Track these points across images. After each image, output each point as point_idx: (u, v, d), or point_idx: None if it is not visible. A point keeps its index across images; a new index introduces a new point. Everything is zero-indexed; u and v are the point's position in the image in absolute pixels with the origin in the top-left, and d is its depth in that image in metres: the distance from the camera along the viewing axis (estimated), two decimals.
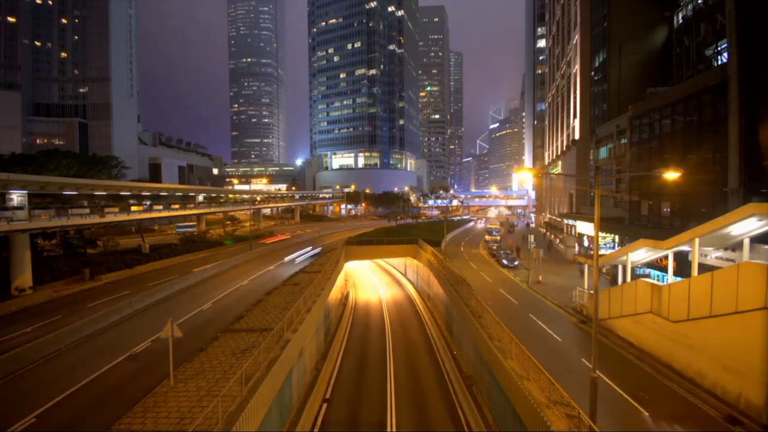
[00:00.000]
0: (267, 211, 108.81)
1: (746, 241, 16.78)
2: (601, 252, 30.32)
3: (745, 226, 16.00)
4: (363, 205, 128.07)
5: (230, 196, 79.40)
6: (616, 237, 34.60)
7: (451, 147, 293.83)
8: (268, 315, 21.37)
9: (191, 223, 70.92)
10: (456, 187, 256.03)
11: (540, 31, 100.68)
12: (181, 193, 58.75)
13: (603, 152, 40.69)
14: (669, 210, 27.91)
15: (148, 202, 47.84)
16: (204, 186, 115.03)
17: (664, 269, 22.43)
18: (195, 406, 12.09)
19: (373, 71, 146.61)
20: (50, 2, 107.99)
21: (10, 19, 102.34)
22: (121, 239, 52.50)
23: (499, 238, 60.23)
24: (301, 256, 44.55)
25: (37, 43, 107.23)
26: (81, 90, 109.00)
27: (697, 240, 17.11)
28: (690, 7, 32.34)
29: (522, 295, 31.29)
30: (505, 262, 43.62)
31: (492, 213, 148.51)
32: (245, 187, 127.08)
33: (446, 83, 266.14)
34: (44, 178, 32.62)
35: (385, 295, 43.08)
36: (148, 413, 11.90)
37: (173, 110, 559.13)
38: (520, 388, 12.60)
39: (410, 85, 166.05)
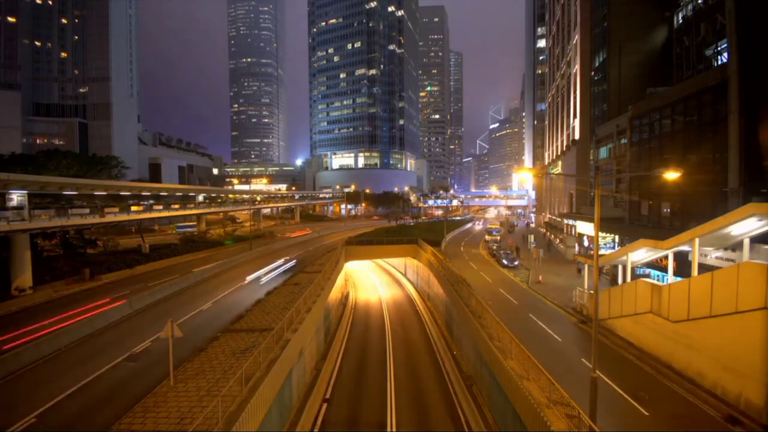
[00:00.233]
0: (267, 211, 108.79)
1: (746, 241, 16.78)
2: (601, 252, 30.32)
3: (745, 226, 16.00)
4: (363, 205, 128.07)
5: (230, 196, 79.38)
6: (616, 237, 34.60)
7: (451, 147, 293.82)
8: (268, 315, 21.38)
9: (191, 223, 70.92)
10: (456, 187, 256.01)
11: (540, 31, 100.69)
12: (181, 193, 58.75)
13: (603, 152, 40.69)
14: (669, 210, 27.91)
15: (148, 202, 47.84)
16: (204, 186, 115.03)
17: (664, 269, 22.43)
18: (195, 406, 12.09)
19: (373, 71, 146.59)
20: (50, 2, 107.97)
21: (10, 19, 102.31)
22: (121, 239, 52.52)
23: (499, 238, 60.23)
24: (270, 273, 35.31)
25: (37, 43, 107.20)
26: (81, 90, 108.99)
27: (697, 240, 17.11)
28: (690, 7, 32.33)
29: (522, 295, 31.29)
30: (505, 262, 43.62)
31: (490, 213, 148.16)
32: (245, 187, 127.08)
33: (446, 83, 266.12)
34: (44, 178, 32.62)
35: (385, 295, 43.07)
36: (148, 413, 11.91)
37: (173, 110, 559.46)
38: (520, 388, 12.59)
39: (410, 85, 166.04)
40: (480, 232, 78.26)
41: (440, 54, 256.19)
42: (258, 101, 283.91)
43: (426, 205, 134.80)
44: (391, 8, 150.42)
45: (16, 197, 28.99)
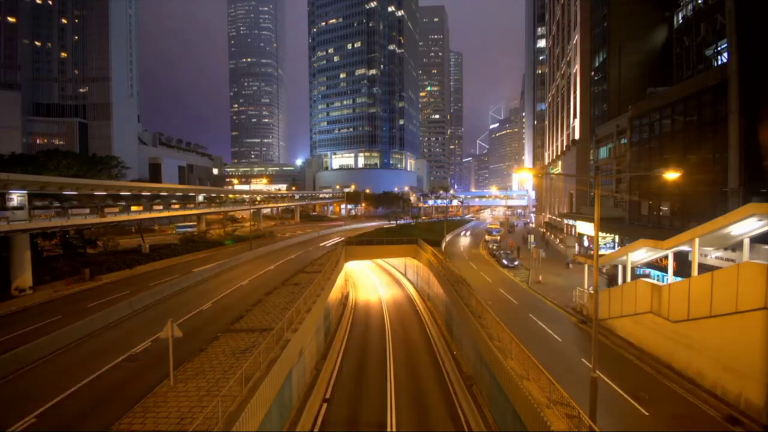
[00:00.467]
0: (267, 211, 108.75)
1: (746, 241, 16.77)
2: (601, 252, 30.31)
3: (745, 226, 16.00)
4: (363, 205, 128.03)
5: (230, 196, 79.35)
6: (616, 237, 34.61)
7: (451, 147, 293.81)
8: (268, 315, 21.37)
9: (191, 223, 70.91)
10: (456, 187, 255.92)
11: (540, 31, 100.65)
12: (181, 193, 58.72)
13: (603, 152, 40.68)
14: (669, 210, 27.91)
15: (148, 202, 47.83)
16: (204, 186, 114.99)
17: (664, 269, 22.43)
18: (195, 406, 12.09)
19: (373, 71, 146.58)
20: (50, 2, 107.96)
21: (10, 19, 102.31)
22: (121, 239, 52.51)
23: (499, 238, 60.23)
24: None
25: (37, 43, 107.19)
26: (81, 90, 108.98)
27: (697, 240, 17.11)
28: (690, 7, 32.33)
29: (522, 295, 31.29)
30: (505, 262, 43.63)
31: (485, 214, 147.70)
32: (245, 187, 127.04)
33: (446, 83, 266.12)
34: (44, 178, 32.61)
35: (385, 295, 43.08)
36: (148, 413, 11.90)
37: (173, 110, 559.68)
38: (520, 388, 12.60)
39: (410, 85, 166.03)
40: (480, 232, 78.26)
41: (440, 54, 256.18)
42: (258, 101, 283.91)
43: (426, 205, 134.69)
44: (391, 8, 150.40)
45: (16, 197, 28.97)
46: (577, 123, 51.93)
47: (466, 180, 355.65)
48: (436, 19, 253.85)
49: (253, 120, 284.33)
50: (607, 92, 40.93)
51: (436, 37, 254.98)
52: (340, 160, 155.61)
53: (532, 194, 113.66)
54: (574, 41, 52.98)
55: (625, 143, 34.78)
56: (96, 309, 23.43)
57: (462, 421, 17.38)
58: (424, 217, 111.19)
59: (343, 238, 52.38)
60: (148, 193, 49.14)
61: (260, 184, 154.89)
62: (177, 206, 53.97)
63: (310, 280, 27.40)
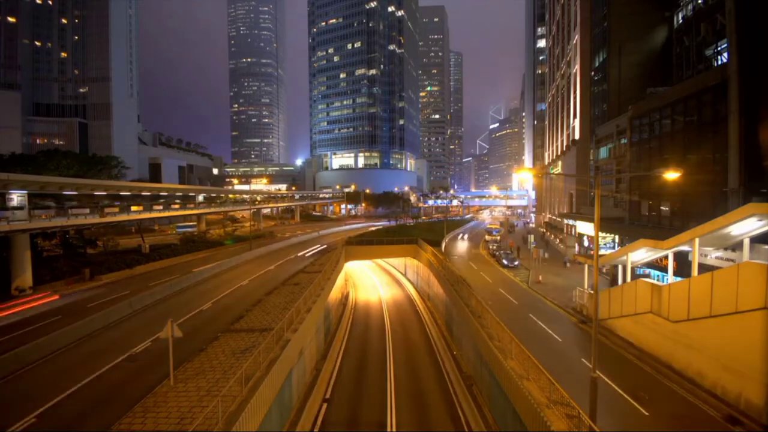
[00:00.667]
0: (267, 211, 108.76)
1: (746, 241, 16.77)
2: (601, 252, 30.32)
3: (745, 226, 16.00)
4: (363, 205, 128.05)
5: (230, 196, 79.37)
6: (616, 237, 34.60)
7: (451, 147, 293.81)
8: (268, 315, 21.37)
9: (191, 223, 70.92)
10: (456, 187, 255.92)
11: (540, 31, 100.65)
12: (181, 193, 58.73)
13: (603, 152, 40.68)
14: (669, 210, 27.91)
15: (148, 202, 47.84)
16: (204, 186, 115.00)
17: (664, 269, 22.43)
18: (195, 406, 12.09)
19: (373, 71, 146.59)
20: (50, 2, 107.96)
21: (10, 19, 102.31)
22: (121, 239, 52.52)
23: (499, 238, 60.21)
24: None
25: (37, 43, 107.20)
26: (81, 90, 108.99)
27: (697, 240, 17.11)
28: (690, 7, 32.34)
29: (522, 295, 31.29)
30: (505, 262, 43.62)
31: (485, 214, 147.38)
32: (245, 187, 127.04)
33: (446, 83, 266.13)
34: (44, 178, 32.62)
35: (385, 295, 43.07)
36: (148, 413, 11.90)
37: (173, 110, 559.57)
38: (520, 388, 12.60)
39: (410, 85, 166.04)
40: (480, 232, 78.27)
41: (440, 54, 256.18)
42: (258, 101, 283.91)
43: (426, 205, 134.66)
44: (391, 8, 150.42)
45: (16, 197, 28.98)
46: (577, 123, 51.93)
47: (466, 180, 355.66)
48: (436, 19, 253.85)
49: (253, 120, 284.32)
50: (607, 92, 40.93)
51: (436, 37, 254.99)
52: (340, 160, 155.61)
53: (532, 194, 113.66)
54: (574, 41, 52.98)
55: (625, 143, 34.78)
56: (96, 309, 23.45)
57: (462, 421, 17.38)
58: (424, 217, 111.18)
59: (343, 238, 52.38)
60: (148, 193, 49.13)
61: (260, 184, 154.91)
62: (177, 206, 53.99)
63: (310, 280, 27.40)
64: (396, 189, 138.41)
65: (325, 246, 52.93)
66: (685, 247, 18.83)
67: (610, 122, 38.37)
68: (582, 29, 49.27)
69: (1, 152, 50.06)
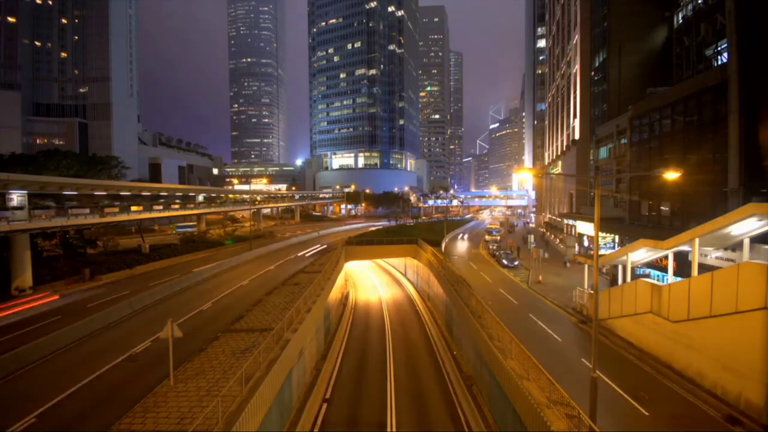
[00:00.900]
0: (267, 211, 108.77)
1: (746, 241, 16.77)
2: (601, 252, 30.31)
3: (745, 226, 16.00)
4: (363, 205, 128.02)
5: (230, 196, 79.36)
6: (616, 237, 34.60)
7: (451, 147, 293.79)
8: (268, 315, 21.37)
9: (191, 223, 70.91)
10: (456, 187, 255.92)
11: (540, 31, 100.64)
12: (181, 193, 58.73)
13: (603, 152, 40.68)
14: (669, 210, 27.91)
15: (148, 202, 47.85)
16: (204, 186, 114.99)
17: (664, 269, 22.43)
18: (195, 406, 12.09)
19: (373, 71, 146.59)
20: (50, 2, 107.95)
21: (10, 19, 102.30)
22: (121, 239, 52.51)
23: (499, 238, 60.20)
24: None
25: (37, 43, 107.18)
26: (81, 90, 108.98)
27: (697, 240, 17.11)
28: (690, 7, 32.33)
29: (522, 295, 31.29)
30: (505, 262, 43.62)
31: (484, 214, 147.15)
32: (245, 187, 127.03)
33: (446, 83, 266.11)
34: (44, 178, 32.62)
35: (385, 295, 43.07)
36: (148, 413, 11.90)
37: (173, 110, 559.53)
38: (520, 388, 12.59)
39: (410, 85, 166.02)
40: (480, 232, 78.29)
41: (440, 54, 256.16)
42: (258, 101, 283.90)
43: (426, 205, 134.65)
44: (391, 8, 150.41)
45: (16, 197, 28.98)
46: (577, 123, 51.93)
47: (466, 180, 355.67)
48: (436, 19, 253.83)
49: (253, 120, 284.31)
50: (607, 92, 40.92)
51: (436, 37, 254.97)
52: (340, 160, 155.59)
53: (532, 194, 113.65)
54: (574, 41, 52.98)
55: (625, 143, 34.77)
56: (96, 309, 23.45)
57: (462, 421, 17.37)
58: (424, 217, 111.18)
59: (342, 238, 52.38)
60: (148, 193, 49.13)
61: (260, 184, 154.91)
62: (177, 206, 53.98)
63: (310, 280, 27.40)
64: (396, 189, 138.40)
65: (325, 246, 52.95)
66: (685, 247, 18.83)
67: (610, 122, 38.36)
68: (582, 29, 49.27)
69: (1, 152, 50.05)
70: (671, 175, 17.59)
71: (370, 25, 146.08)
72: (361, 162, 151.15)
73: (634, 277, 23.63)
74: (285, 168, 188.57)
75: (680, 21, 34.43)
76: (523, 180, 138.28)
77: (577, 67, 50.73)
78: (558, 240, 56.97)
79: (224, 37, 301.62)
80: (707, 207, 23.24)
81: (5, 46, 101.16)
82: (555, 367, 15.97)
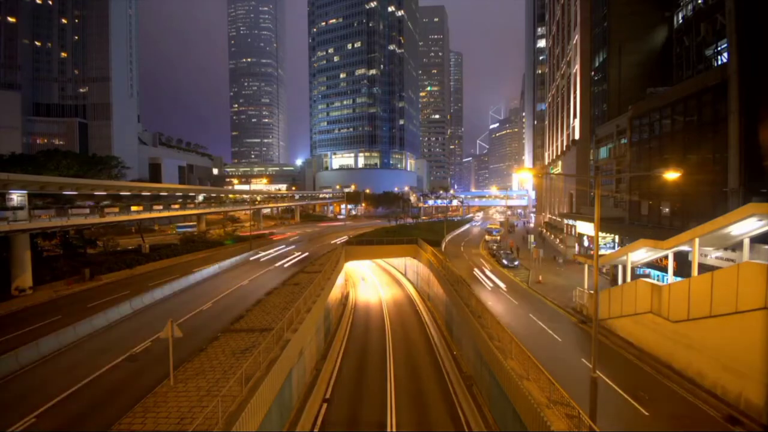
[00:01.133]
0: (267, 211, 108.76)
1: (746, 241, 16.77)
2: (601, 252, 30.31)
3: (745, 226, 15.99)
4: (363, 205, 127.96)
5: (230, 196, 79.38)
6: (616, 237, 34.60)
7: (451, 147, 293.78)
8: (268, 315, 21.37)
9: (191, 223, 70.91)
10: (456, 187, 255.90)
11: (540, 31, 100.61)
12: (181, 193, 58.73)
13: (603, 152, 40.68)
14: (669, 210, 27.91)
15: (148, 202, 47.85)
16: (204, 186, 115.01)
17: (664, 269, 22.43)
18: (195, 406, 12.09)
19: (373, 71, 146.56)
20: (50, 2, 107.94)
21: (10, 19, 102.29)
22: (121, 239, 52.53)
23: (499, 238, 60.22)
24: None
25: (37, 43, 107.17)
26: (81, 90, 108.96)
27: (697, 240, 17.11)
28: (690, 7, 32.33)
29: (522, 295, 31.29)
30: (505, 262, 43.62)
31: (481, 215, 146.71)
32: (245, 187, 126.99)
33: (446, 83, 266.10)
34: (44, 178, 32.61)
35: (385, 295, 43.07)
36: (148, 413, 11.90)
37: (173, 110, 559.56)
38: (520, 388, 12.59)
39: (410, 85, 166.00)
40: (480, 232, 78.31)
41: (440, 54, 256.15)
42: (258, 101, 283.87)
43: (426, 205, 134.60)
44: (391, 8, 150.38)
45: (16, 197, 28.97)
46: (577, 123, 51.92)
47: (466, 180, 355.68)
48: (436, 19, 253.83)
49: (253, 120, 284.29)
50: (607, 92, 40.92)
51: (436, 37, 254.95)
52: (340, 160, 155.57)
53: (532, 194, 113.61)
54: (574, 41, 52.97)
55: (625, 143, 34.77)
56: (96, 309, 23.44)
57: (462, 421, 17.37)
58: (424, 217, 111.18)
59: (343, 238, 52.35)
60: (148, 193, 49.15)
61: (260, 184, 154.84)
62: (177, 206, 53.96)
63: (310, 280, 27.39)
64: (396, 189, 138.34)
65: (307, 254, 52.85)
66: (685, 247, 18.83)
67: (610, 122, 38.36)
68: (582, 29, 49.26)
69: (1, 152, 50.00)
70: (671, 175, 17.59)
71: (370, 25, 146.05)
72: (361, 162, 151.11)
73: (634, 277, 23.64)
74: (285, 168, 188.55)
75: (680, 21, 34.43)
76: (523, 180, 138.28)
77: (577, 67, 50.72)
78: (558, 240, 56.96)
79: (224, 37, 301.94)
80: (707, 207, 23.24)
81: (5, 46, 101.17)
82: (555, 367, 15.98)
